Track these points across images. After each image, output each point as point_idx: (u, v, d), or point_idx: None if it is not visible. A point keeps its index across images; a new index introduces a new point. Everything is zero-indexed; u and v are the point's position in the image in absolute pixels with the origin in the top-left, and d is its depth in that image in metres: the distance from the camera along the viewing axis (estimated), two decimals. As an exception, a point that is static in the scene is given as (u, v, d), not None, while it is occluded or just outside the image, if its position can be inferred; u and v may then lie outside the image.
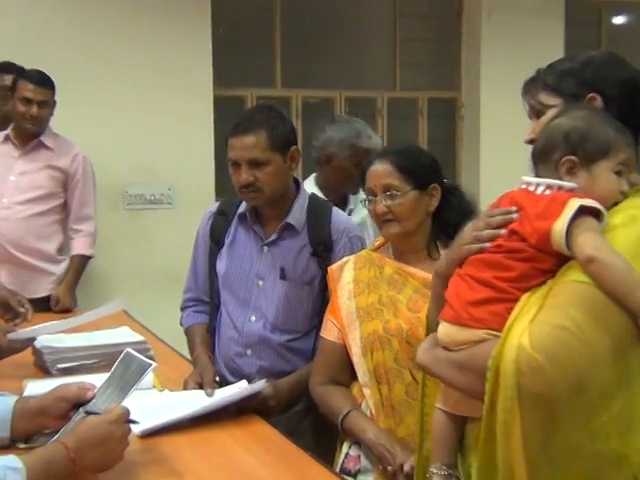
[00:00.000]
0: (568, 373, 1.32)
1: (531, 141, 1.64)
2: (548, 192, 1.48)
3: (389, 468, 2.09)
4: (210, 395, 2.33)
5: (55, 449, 1.64)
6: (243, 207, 2.66)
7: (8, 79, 4.17)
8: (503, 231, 1.49)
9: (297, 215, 2.61)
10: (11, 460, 1.56)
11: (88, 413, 1.77)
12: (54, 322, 2.78)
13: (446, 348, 1.54)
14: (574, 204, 1.41)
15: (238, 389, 2.35)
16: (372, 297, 2.27)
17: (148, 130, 5.39)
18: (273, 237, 2.61)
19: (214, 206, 2.80)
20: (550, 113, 1.61)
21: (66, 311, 3.77)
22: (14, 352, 2.58)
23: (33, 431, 1.89)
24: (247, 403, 2.25)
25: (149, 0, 5.37)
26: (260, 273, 2.62)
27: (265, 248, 2.63)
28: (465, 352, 1.48)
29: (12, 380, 2.49)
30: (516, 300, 1.43)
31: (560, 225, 1.40)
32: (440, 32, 6.61)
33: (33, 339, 2.64)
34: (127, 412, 1.76)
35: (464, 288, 1.51)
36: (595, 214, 1.42)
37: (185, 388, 2.44)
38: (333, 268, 2.41)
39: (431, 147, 6.15)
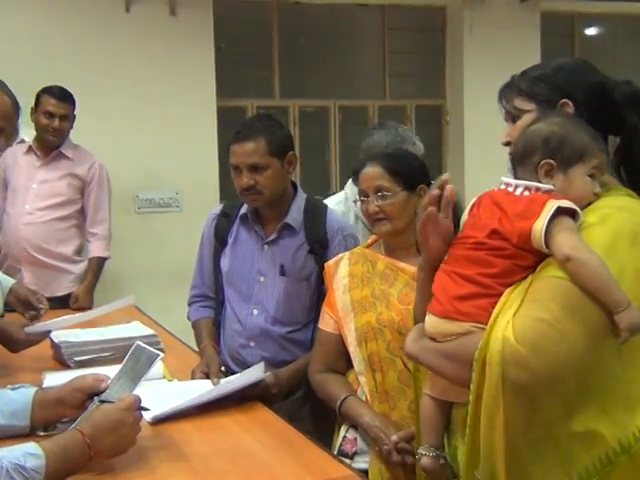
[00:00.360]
0: (549, 363, 1.32)
1: (507, 143, 1.64)
2: (527, 193, 1.47)
3: (384, 447, 2.08)
4: (216, 384, 2.31)
5: (72, 436, 1.62)
6: (244, 209, 2.64)
7: None
8: (436, 191, 1.54)
9: (295, 215, 2.59)
10: (31, 447, 1.54)
11: (102, 402, 1.75)
12: (67, 317, 2.76)
13: (433, 339, 1.53)
14: (552, 205, 1.41)
15: (241, 377, 2.33)
16: (366, 291, 2.25)
17: (157, 139, 5.40)
18: (273, 236, 2.60)
19: (218, 208, 2.78)
20: (525, 117, 1.60)
21: (83, 309, 3.75)
22: (31, 345, 2.55)
23: (52, 420, 1.87)
24: (250, 391, 2.22)
25: (158, 21, 5.39)
26: (261, 270, 2.60)
27: (265, 246, 2.61)
28: (453, 343, 1.47)
29: (32, 372, 2.47)
30: (499, 295, 1.43)
31: (539, 225, 1.40)
32: (426, 45, 6.61)
33: (48, 332, 2.61)
34: (138, 400, 1.74)
35: (450, 284, 1.50)
36: (571, 214, 1.42)
37: (193, 378, 2.42)
38: (329, 264, 2.39)
39: (419, 151, 6.12)
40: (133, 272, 5.21)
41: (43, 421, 1.86)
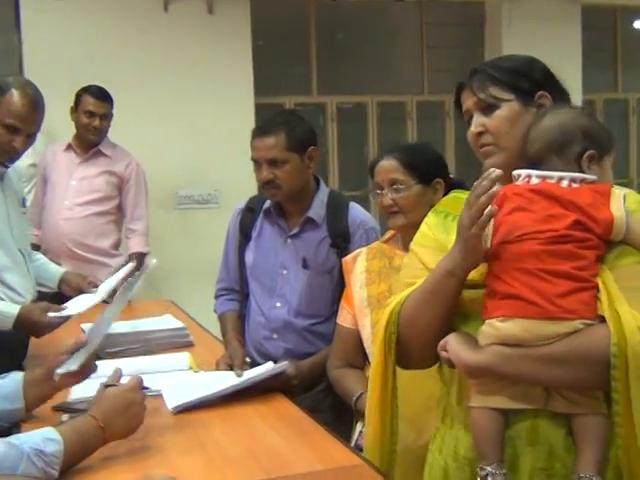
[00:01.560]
0: None
1: (480, 133, 1.62)
2: (575, 185, 1.45)
3: None
4: (239, 376, 2.34)
5: (86, 421, 1.68)
6: (268, 203, 2.68)
7: None
8: (498, 187, 1.41)
9: (317, 209, 2.61)
10: (49, 432, 1.60)
11: (107, 386, 1.80)
12: (80, 296, 2.72)
13: (512, 345, 1.41)
14: (620, 194, 1.43)
15: (264, 369, 2.35)
16: (382, 286, 2.25)
17: (196, 137, 5.46)
18: (296, 230, 2.62)
19: (243, 203, 2.82)
20: (506, 107, 1.59)
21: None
22: (53, 328, 2.55)
23: (47, 396, 1.93)
24: (272, 383, 2.24)
25: (196, 20, 5.44)
26: (284, 263, 2.63)
27: (288, 240, 2.63)
28: (563, 344, 1.39)
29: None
30: (594, 287, 1.40)
31: (620, 215, 1.41)
32: (464, 39, 6.58)
33: (69, 316, 2.59)
34: (141, 380, 1.82)
35: (540, 282, 1.39)
36: None
37: (217, 369, 2.45)
38: (347, 260, 2.40)
39: (458, 146, 6.13)
40: (172, 268, 5.28)
41: (38, 398, 1.91)
